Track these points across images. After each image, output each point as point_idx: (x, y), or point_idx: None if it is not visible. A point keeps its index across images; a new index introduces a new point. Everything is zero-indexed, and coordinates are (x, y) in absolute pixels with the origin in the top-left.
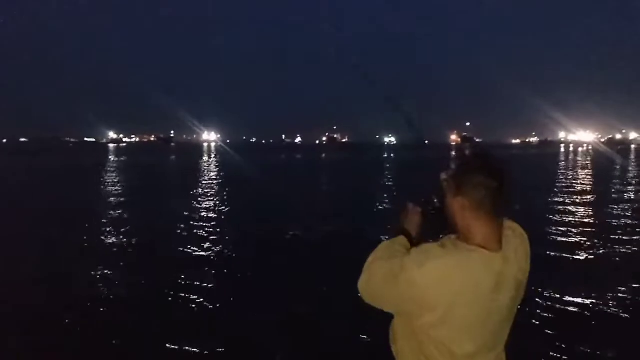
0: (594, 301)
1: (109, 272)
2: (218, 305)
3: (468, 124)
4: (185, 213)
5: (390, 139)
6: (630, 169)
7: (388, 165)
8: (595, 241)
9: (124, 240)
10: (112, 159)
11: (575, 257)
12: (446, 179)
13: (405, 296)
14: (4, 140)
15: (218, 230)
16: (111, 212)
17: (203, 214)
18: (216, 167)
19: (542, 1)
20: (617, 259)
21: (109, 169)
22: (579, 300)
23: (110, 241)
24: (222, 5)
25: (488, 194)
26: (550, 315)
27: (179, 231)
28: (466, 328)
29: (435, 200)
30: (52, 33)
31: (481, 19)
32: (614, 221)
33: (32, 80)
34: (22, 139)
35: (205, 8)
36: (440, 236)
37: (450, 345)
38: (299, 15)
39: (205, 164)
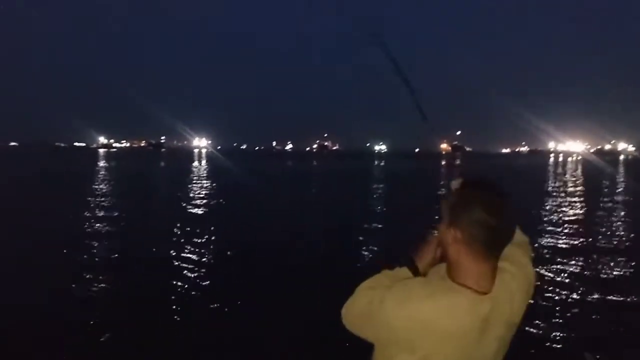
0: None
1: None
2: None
3: (459, 132)
4: (172, 221)
5: (380, 147)
6: (619, 178)
7: (378, 174)
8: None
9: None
10: (102, 164)
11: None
12: (443, 206)
13: (382, 334)
14: None
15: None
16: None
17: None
18: (206, 175)
19: (532, 11)
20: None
21: (99, 175)
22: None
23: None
24: (212, 10)
25: (484, 232)
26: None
27: (164, 240)
28: None
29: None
30: (43, 37)
31: (470, 29)
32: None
33: (22, 85)
34: (13, 143)
35: (195, 12)
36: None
37: None
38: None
39: (195, 172)
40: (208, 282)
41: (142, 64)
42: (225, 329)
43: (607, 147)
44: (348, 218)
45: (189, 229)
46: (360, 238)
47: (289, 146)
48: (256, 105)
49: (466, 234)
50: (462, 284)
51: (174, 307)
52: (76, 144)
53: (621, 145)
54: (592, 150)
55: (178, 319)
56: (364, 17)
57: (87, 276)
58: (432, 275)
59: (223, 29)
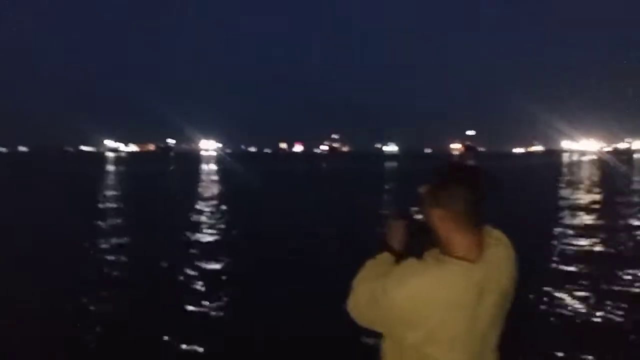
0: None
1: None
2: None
3: (472, 133)
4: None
5: (391, 148)
6: (635, 178)
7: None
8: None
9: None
10: (111, 169)
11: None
12: (425, 191)
13: (390, 318)
14: (3, 149)
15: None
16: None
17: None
18: (216, 178)
19: (547, 10)
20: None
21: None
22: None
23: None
24: (221, 14)
25: (466, 205)
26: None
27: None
28: (452, 340)
29: (416, 214)
30: (51, 42)
31: (483, 28)
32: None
33: (30, 89)
34: (22, 148)
35: (204, 15)
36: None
37: (439, 358)
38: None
39: (205, 175)
40: (217, 284)
41: (150, 67)
42: (234, 328)
43: (622, 146)
44: (359, 219)
45: (200, 230)
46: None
47: (299, 148)
48: (265, 107)
49: (449, 209)
50: (453, 256)
51: (182, 305)
52: (85, 148)
53: (636, 144)
54: (607, 150)
55: (185, 316)
56: None
57: (95, 273)
58: (426, 257)
59: (231, 30)
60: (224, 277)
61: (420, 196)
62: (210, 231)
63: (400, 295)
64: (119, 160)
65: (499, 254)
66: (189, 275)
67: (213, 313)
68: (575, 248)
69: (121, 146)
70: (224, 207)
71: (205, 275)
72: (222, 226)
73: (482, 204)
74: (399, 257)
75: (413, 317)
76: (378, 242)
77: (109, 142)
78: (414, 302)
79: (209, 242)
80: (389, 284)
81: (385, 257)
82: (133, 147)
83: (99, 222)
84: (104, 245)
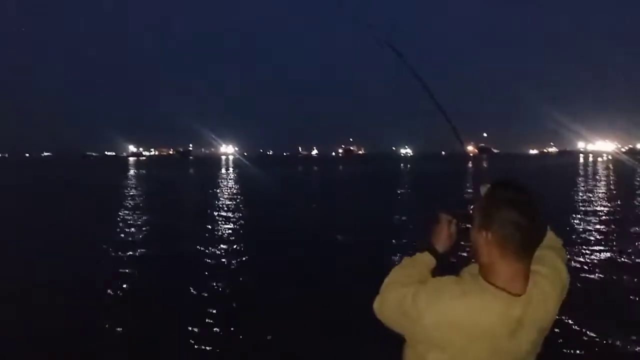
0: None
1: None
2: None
3: (485, 134)
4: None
5: (407, 151)
6: None
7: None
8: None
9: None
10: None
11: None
12: (473, 208)
13: (415, 331)
14: (26, 155)
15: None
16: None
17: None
18: (234, 182)
19: (559, 9)
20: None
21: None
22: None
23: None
24: (239, 23)
25: (516, 231)
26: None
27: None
28: None
29: (466, 212)
30: (73, 48)
31: (497, 28)
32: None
33: (54, 95)
34: (46, 153)
35: (220, 24)
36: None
37: None
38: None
39: (224, 179)
40: (230, 284)
41: (169, 73)
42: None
43: (639, 146)
44: (377, 219)
45: (219, 231)
46: (391, 240)
47: (315, 151)
48: (282, 111)
49: (497, 235)
50: (494, 285)
51: (195, 305)
52: (107, 152)
53: None
54: (623, 150)
55: (191, 318)
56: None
57: (117, 270)
58: (464, 275)
59: (247, 36)
60: (233, 278)
61: (479, 194)
62: (221, 234)
63: (429, 314)
64: (140, 164)
65: (547, 288)
66: (198, 277)
67: (220, 315)
68: (589, 254)
69: (143, 151)
70: (238, 213)
71: (215, 276)
72: (235, 229)
73: (534, 232)
74: (440, 260)
75: (439, 338)
76: (419, 239)
77: (131, 147)
78: (442, 326)
79: (220, 245)
80: (420, 298)
81: (424, 258)
82: (153, 152)
83: (114, 226)
84: (114, 249)
